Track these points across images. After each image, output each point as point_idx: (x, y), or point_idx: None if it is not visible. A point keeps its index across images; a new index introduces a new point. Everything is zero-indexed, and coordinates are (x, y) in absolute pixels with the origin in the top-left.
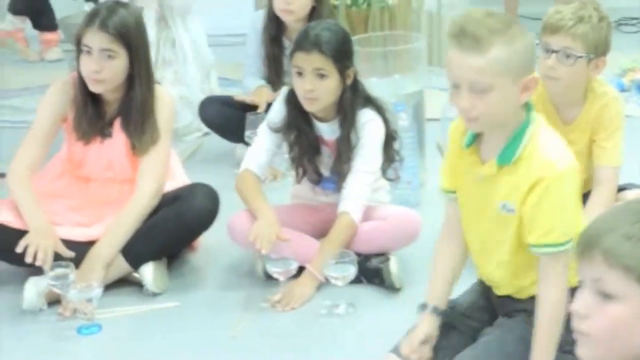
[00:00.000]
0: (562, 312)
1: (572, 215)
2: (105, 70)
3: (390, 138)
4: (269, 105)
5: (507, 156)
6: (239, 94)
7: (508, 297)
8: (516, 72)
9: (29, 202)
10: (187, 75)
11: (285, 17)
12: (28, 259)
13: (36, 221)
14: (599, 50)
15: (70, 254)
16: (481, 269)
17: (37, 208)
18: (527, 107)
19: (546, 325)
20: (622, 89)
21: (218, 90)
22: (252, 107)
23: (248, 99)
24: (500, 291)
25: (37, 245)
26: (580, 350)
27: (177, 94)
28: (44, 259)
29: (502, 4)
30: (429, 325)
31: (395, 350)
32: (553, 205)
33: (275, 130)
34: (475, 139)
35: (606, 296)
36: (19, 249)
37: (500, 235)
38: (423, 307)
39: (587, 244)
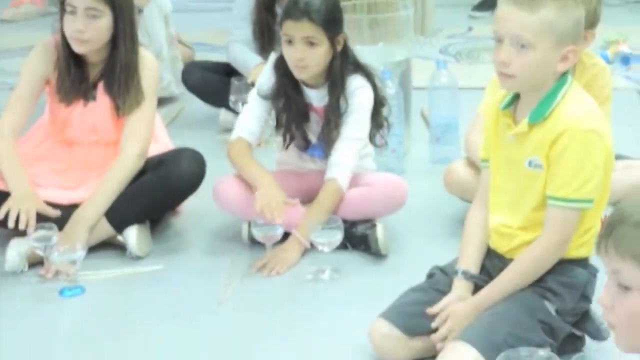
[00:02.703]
0: (541, 262)
1: (589, 176)
2: (90, 30)
3: (379, 104)
4: None
5: (538, 114)
6: (221, 60)
7: (510, 260)
8: (559, 38)
9: (13, 167)
10: (152, 33)
11: None
12: (10, 224)
13: (19, 186)
14: (587, 22)
15: (56, 212)
16: (497, 219)
17: (21, 173)
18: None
19: (518, 264)
20: (607, 62)
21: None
22: (237, 73)
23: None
24: (502, 249)
25: (19, 209)
26: (615, 341)
27: None
28: (26, 222)
29: None
30: (459, 289)
31: (384, 315)
32: (572, 160)
33: (264, 97)
34: (512, 102)
35: (624, 287)
36: (0, 215)
37: (528, 192)
38: (455, 272)
39: (603, 236)
